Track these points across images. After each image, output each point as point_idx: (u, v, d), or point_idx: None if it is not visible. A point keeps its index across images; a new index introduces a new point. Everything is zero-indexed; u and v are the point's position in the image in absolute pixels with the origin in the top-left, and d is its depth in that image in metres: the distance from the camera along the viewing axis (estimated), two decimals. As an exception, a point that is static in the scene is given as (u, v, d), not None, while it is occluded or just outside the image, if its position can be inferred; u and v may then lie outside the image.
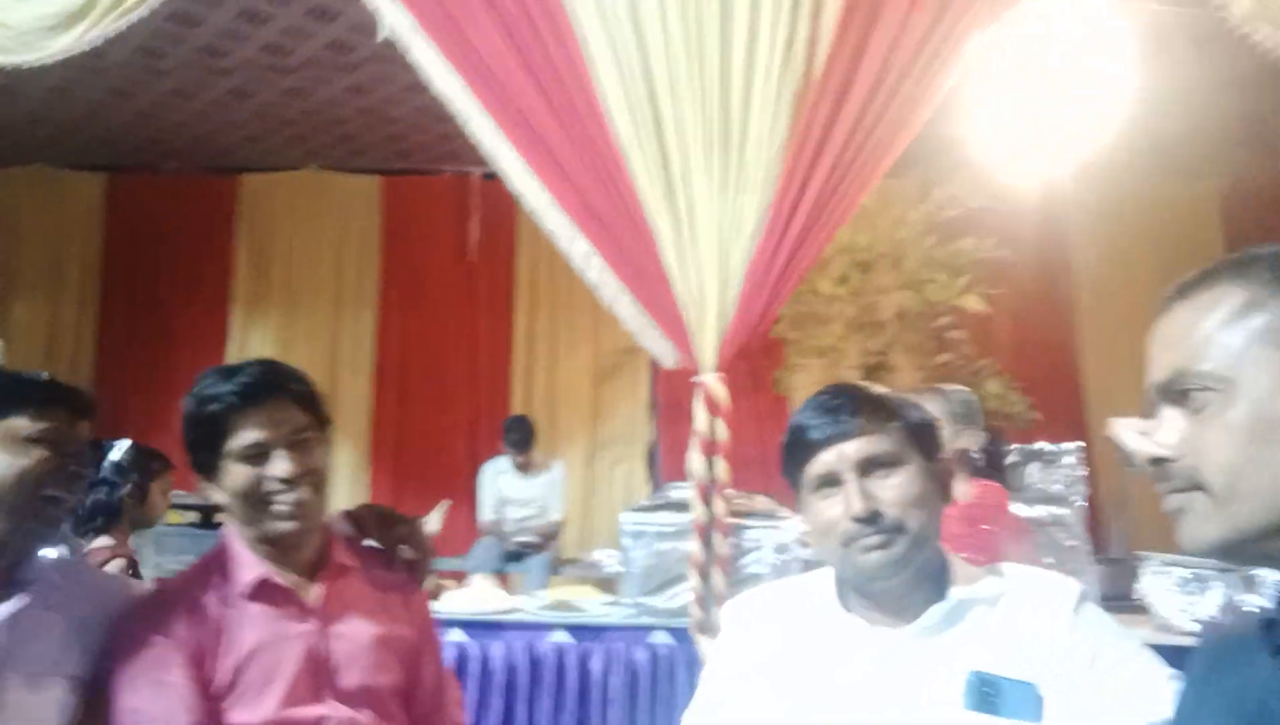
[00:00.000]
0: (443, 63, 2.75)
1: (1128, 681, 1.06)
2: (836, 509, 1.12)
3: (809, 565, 2.98)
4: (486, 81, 2.73)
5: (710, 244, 2.67)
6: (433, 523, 3.76)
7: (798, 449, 1.17)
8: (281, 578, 1.34)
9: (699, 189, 2.67)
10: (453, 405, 6.11)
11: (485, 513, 4.96)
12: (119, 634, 1.26)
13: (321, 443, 1.37)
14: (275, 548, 1.34)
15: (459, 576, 4.05)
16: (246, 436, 1.30)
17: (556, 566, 4.87)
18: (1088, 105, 2.88)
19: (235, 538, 1.36)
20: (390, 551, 1.46)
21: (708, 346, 2.72)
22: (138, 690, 1.22)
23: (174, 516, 3.16)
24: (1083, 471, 3.05)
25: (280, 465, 1.29)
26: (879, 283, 5.07)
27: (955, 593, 1.12)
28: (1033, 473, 2.99)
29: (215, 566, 1.34)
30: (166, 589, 1.36)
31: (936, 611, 1.11)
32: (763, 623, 1.22)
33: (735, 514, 2.88)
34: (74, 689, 1.21)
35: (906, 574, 1.12)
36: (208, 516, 3.22)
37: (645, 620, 2.96)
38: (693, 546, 2.76)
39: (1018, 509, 2.99)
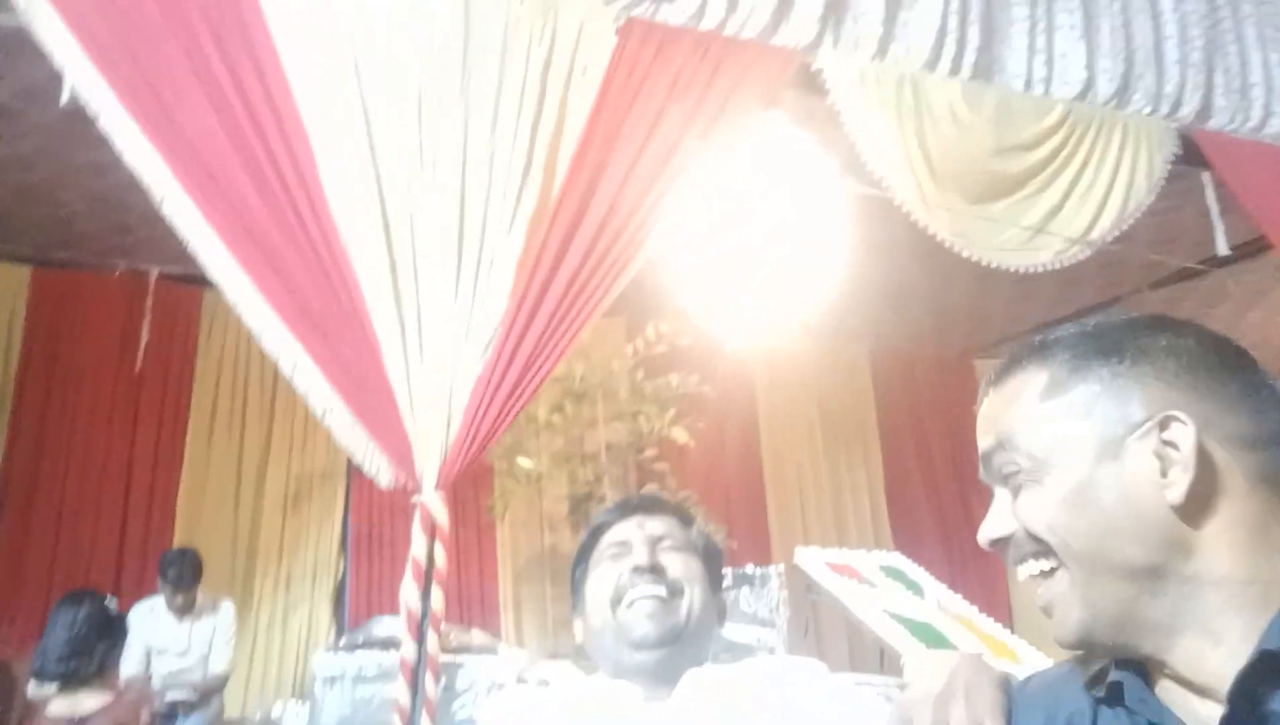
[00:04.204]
0: (140, 137, 2.44)
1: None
2: (622, 566, 1.17)
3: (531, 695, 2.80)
4: (192, 163, 2.46)
5: (438, 357, 2.55)
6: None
7: (597, 529, 1.24)
8: None
9: (429, 298, 2.57)
10: (104, 534, 5.18)
11: (130, 664, 4.15)
12: None
13: None
14: None
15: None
16: None
17: (220, 720, 4.17)
18: (798, 271, 3.21)
19: None
20: None
21: (429, 464, 2.55)
22: None
23: None
24: (784, 593, 3.21)
25: None
26: (590, 414, 5.18)
27: (709, 667, 1.15)
28: (743, 597, 3.10)
29: None
30: None
31: (692, 679, 1.12)
32: (528, 708, 1.21)
33: (449, 650, 2.65)
34: None
35: (674, 647, 1.13)
36: None
37: (337, 782, 2.59)
38: (399, 690, 2.48)
39: (731, 633, 3.07)
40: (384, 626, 2.77)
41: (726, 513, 5.35)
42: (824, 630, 5.30)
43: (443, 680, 2.57)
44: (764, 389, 6.65)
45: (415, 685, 2.47)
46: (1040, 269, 3.66)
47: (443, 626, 2.56)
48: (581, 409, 5.22)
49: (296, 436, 5.53)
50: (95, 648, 2.34)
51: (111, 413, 5.34)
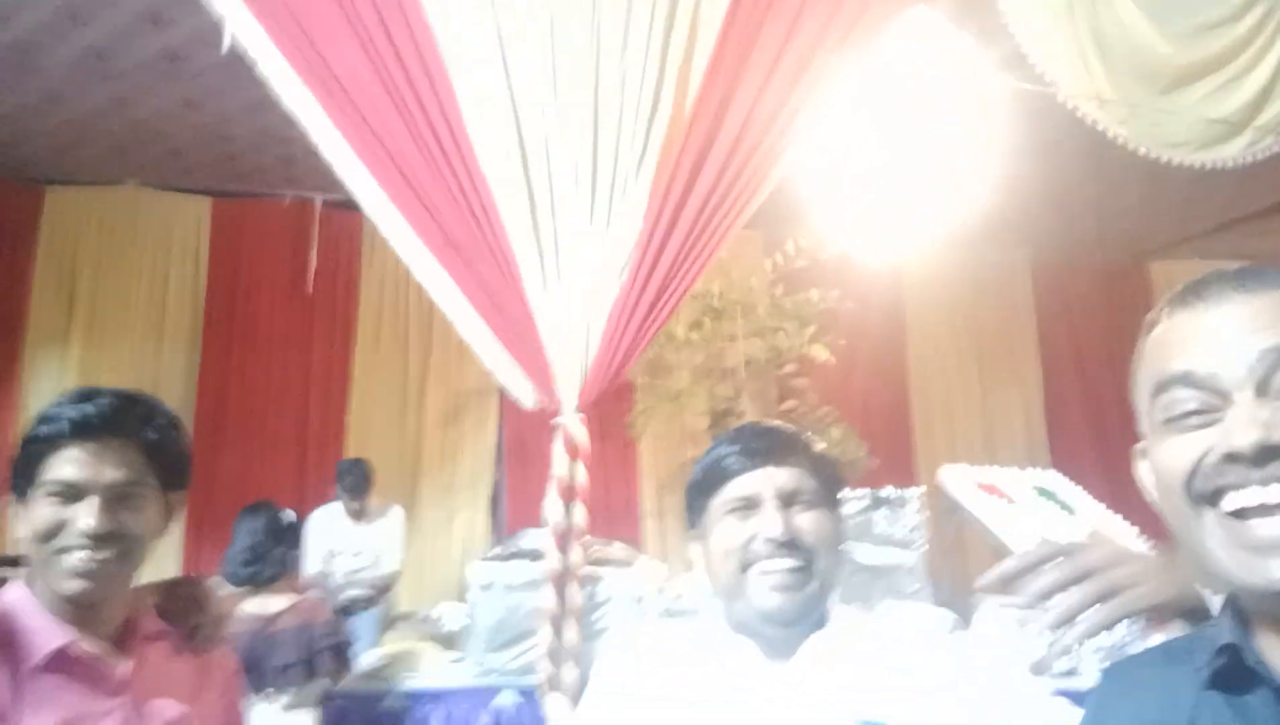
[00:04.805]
0: (295, 78, 2.57)
1: (1012, 702, 1.06)
2: (749, 529, 1.10)
3: (668, 617, 2.92)
4: (342, 100, 2.57)
5: (576, 282, 2.61)
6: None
7: (717, 473, 1.14)
8: (85, 646, 1.13)
9: (565, 225, 2.61)
10: (280, 449, 5.68)
11: (312, 564, 4.59)
12: None
13: (155, 504, 1.18)
14: (73, 609, 1.13)
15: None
16: (62, 471, 1.11)
17: (389, 622, 4.57)
18: (948, 178, 3.05)
19: (24, 595, 1.14)
20: (179, 621, 1.28)
21: (569, 387, 2.64)
22: None
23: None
24: (924, 516, 3.16)
25: (87, 515, 1.10)
26: (729, 330, 5.17)
27: (834, 625, 1.12)
28: (879, 518, 3.07)
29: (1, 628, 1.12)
30: None
31: (816, 644, 1.09)
32: (650, 650, 1.18)
33: (592, 563, 2.79)
34: None
35: (803, 624, 1.09)
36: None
37: (491, 680, 2.79)
38: (545, 598, 2.63)
39: (864, 554, 3.06)
40: (531, 539, 2.93)
41: (867, 431, 5.26)
42: (967, 553, 5.21)
43: (586, 590, 2.71)
44: (912, 302, 6.43)
45: (560, 594, 2.62)
46: (1226, 164, 3.32)
47: (585, 539, 2.68)
48: (720, 325, 5.21)
49: (453, 355, 5.83)
50: (274, 553, 2.60)
51: (287, 336, 5.78)
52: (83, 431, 1.12)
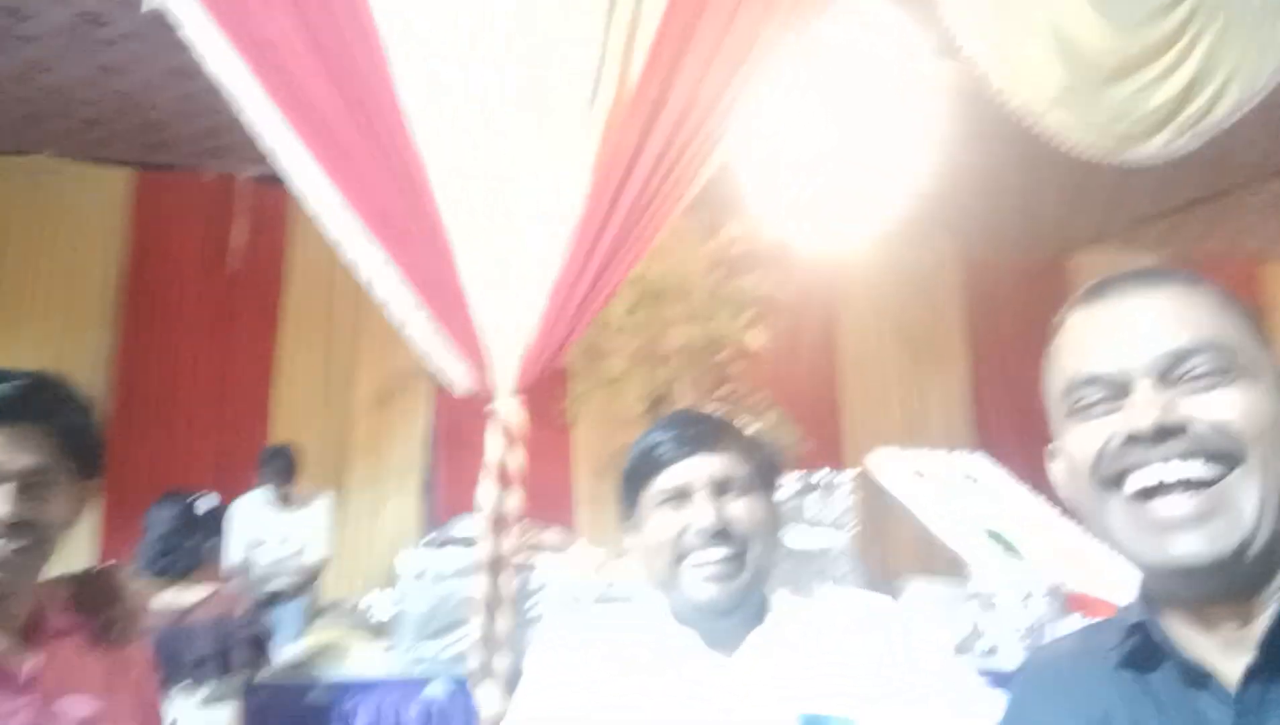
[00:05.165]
0: (222, 42, 2.46)
1: (947, 691, 1.07)
2: (681, 522, 1.08)
3: (603, 598, 2.90)
4: (273, 66, 2.47)
5: (513, 262, 2.56)
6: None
7: (649, 460, 1.12)
8: None
9: (503, 204, 2.56)
10: (200, 434, 5.48)
11: (235, 553, 4.45)
12: None
13: (67, 493, 1.12)
14: None
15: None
16: None
17: (316, 612, 4.45)
18: (885, 166, 3.07)
19: None
20: (92, 614, 1.22)
21: (506, 370, 2.59)
22: None
23: None
24: (854, 499, 3.21)
25: None
26: (667, 315, 5.17)
27: (774, 620, 1.11)
28: (810, 502, 3.10)
29: None
30: None
31: (759, 638, 1.09)
32: (589, 640, 1.16)
33: (526, 549, 2.75)
34: None
35: (740, 613, 1.09)
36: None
37: (422, 669, 2.73)
38: (478, 586, 2.59)
39: (795, 538, 3.09)
40: (464, 526, 2.88)
41: (799, 416, 5.32)
42: (894, 535, 5.33)
43: (520, 577, 2.67)
44: (844, 291, 6.52)
45: (493, 582, 2.58)
46: (1150, 161, 3.43)
47: (519, 525, 2.64)
48: (658, 310, 5.21)
49: (383, 336, 5.68)
50: (187, 544, 2.50)
51: (209, 316, 5.58)
52: None
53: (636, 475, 1.13)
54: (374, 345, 5.79)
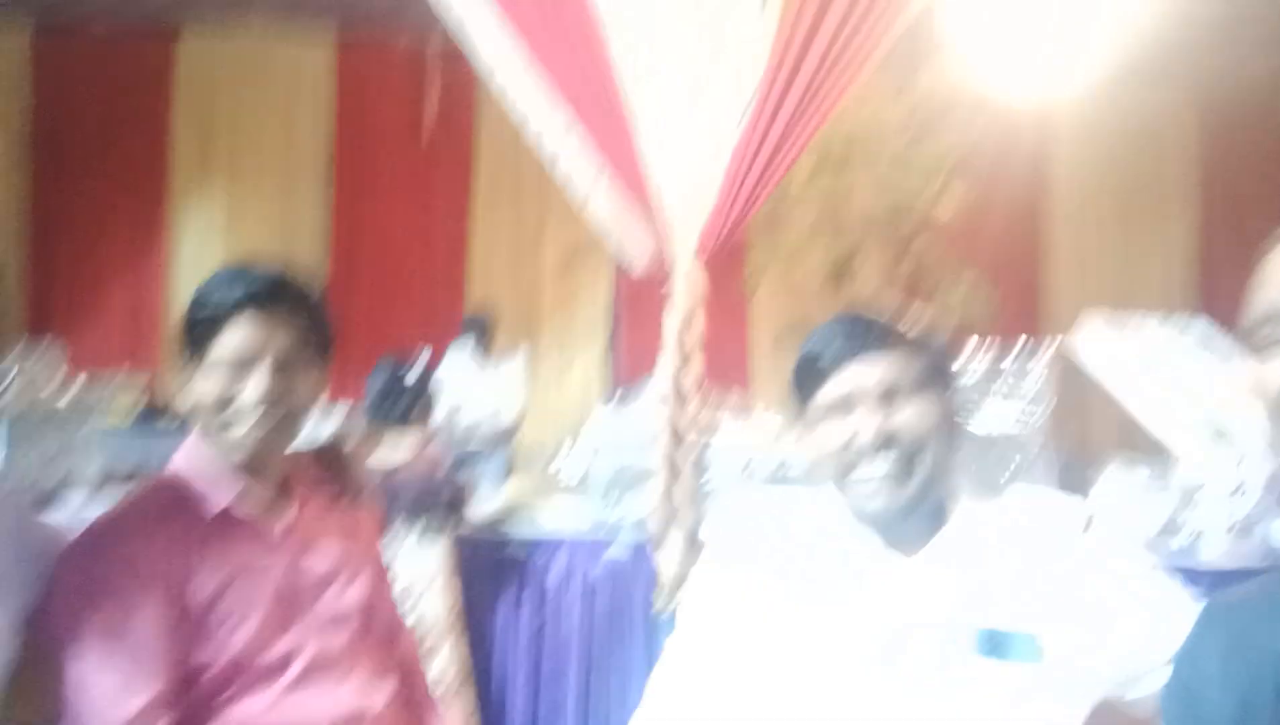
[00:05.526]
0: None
1: (1138, 607, 1.02)
2: (845, 434, 1.06)
3: (779, 470, 2.95)
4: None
5: (694, 129, 2.51)
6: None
7: (812, 370, 1.09)
8: (251, 501, 1.23)
9: (683, 70, 2.49)
10: (407, 298, 5.90)
11: (439, 411, 4.84)
12: (68, 570, 1.12)
13: (311, 376, 1.25)
14: (241, 470, 1.23)
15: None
16: (230, 343, 1.18)
17: (511, 468, 4.80)
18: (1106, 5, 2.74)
19: (196, 455, 1.24)
20: (328, 480, 1.37)
21: (686, 240, 2.59)
22: (105, 632, 1.09)
23: (115, 417, 2.98)
24: (1050, 379, 3.03)
25: (256, 385, 1.18)
26: (850, 182, 4.95)
27: (957, 525, 1.08)
28: (1002, 382, 2.96)
29: (171, 489, 1.22)
30: (118, 519, 1.19)
31: (941, 543, 1.07)
32: (764, 526, 1.17)
33: (705, 418, 2.81)
34: (13, 631, 1.08)
35: (914, 517, 1.06)
36: (151, 418, 3.01)
37: (606, 532, 2.89)
38: (658, 454, 2.69)
39: (983, 420, 2.98)
40: (645, 394, 2.98)
41: (997, 284, 5.03)
42: (1094, 414, 5.01)
43: (698, 445, 2.74)
44: (1054, 148, 5.95)
45: (672, 450, 2.67)
46: None
47: (699, 394, 2.70)
48: (841, 177, 4.99)
49: (569, 204, 5.79)
50: (399, 405, 2.72)
51: (408, 185, 5.89)
52: (245, 306, 1.18)
53: (801, 383, 1.11)
54: (560, 212, 5.93)
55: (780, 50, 2.50)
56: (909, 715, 0.99)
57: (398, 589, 2.51)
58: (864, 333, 1.08)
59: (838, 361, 1.06)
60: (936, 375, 1.09)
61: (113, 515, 1.20)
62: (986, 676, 0.99)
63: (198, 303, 1.21)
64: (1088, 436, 4.98)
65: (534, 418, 5.33)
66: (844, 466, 1.06)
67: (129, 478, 3.22)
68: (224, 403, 1.18)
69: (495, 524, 2.93)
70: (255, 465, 1.22)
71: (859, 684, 1.02)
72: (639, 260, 2.70)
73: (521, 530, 2.95)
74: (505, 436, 4.84)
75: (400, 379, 2.77)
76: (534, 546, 2.86)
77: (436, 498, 2.60)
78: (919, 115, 4.56)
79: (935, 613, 1.02)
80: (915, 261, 4.95)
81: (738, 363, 5.88)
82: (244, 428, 1.18)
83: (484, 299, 5.73)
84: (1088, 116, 5.56)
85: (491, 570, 2.87)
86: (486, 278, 5.98)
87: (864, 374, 1.05)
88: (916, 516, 1.06)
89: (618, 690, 2.85)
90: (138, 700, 1.08)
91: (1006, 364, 3.01)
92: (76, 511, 2.86)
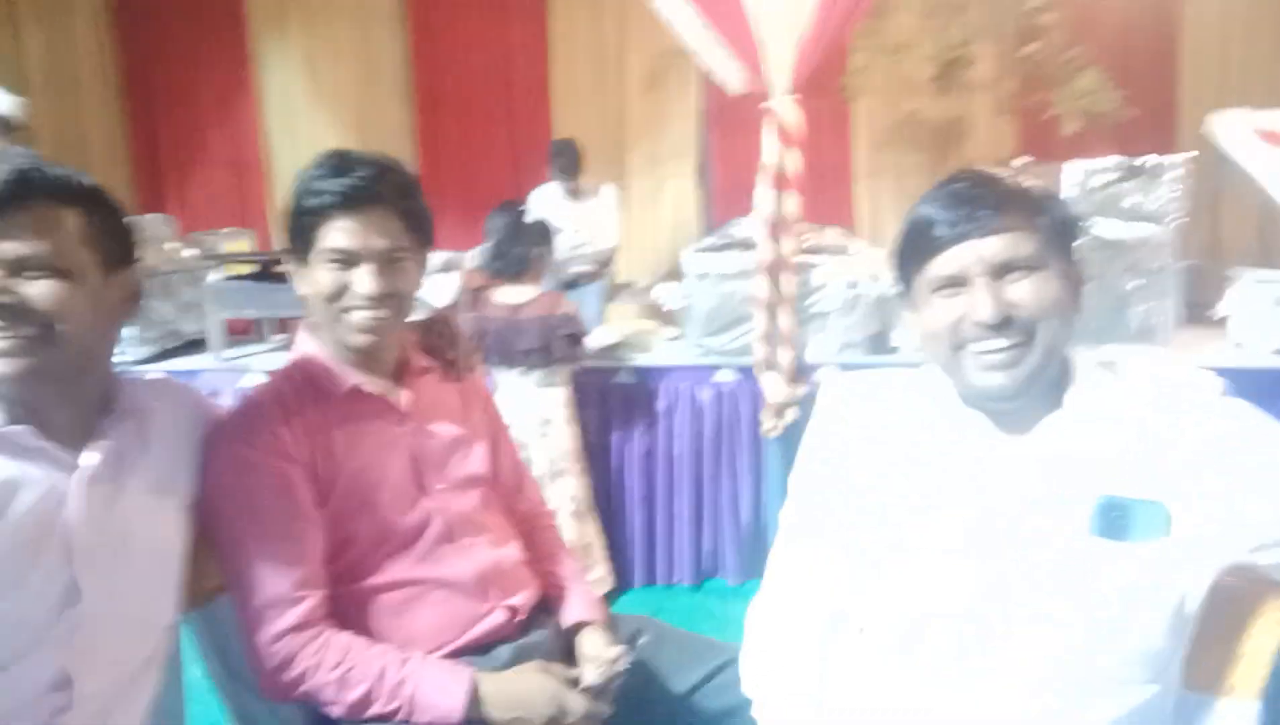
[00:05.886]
0: None
1: (1273, 478, 0.96)
2: (958, 310, 0.99)
3: (881, 302, 2.88)
4: None
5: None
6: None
7: (921, 243, 1.01)
8: (372, 385, 1.29)
9: None
10: (492, 125, 5.78)
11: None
12: (220, 453, 1.20)
13: (415, 264, 1.27)
14: (358, 356, 1.29)
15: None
16: (337, 240, 1.21)
17: (611, 293, 4.82)
18: None
19: (316, 344, 1.30)
20: (438, 354, 1.41)
21: (780, 67, 2.42)
22: (257, 510, 1.18)
23: (231, 269, 3.09)
24: (1183, 186, 2.78)
25: (365, 280, 1.21)
26: (963, -39, 4.46)
27: (1074, 400, 1.01)
28: (1130, 189, 2.72)
29: (302, 376, 1.28)
30: (259, 402, 1.26)
31: (1056, 421, 1.01)
32: (870, 401, 1.14)
33: (803, 251, 2.73)
34: (186, 513, 1.17)
35: (1029, 395, 1.00)
36: (267, 269, 3.12)
37: (710, 359, 2.93)
38: (759, 287, 2.65)
39: (1108, 228, 2.79)
40: (744, 228, 2.89)
41: (1125, 77, 4.54)
42: (1228, 220, 4.61)
43: (798, 278, 2.69)
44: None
45: (773, 282, 2.63)
46: None
47: (798, 227, 2.61)
48: (953, -44, 4.50)
49: (649, 15, 5.46)
50: (517, 250, 2.76)
51: (484, 7, 5.63)
52: (350, 202, 1.19)
53: (909, 254, 1.03)
54: (642, 25, 5.60)
55: None
56: (1024, 601, 0.98)
57: (528, 424, 2.68)
58: (979, 201, 0.98)
59: (949, 237, 0.98)
60: (1058, 243, 1.00)
61: (254, 398, 1.27)
62: (1107, 555, 0.96)
63: (300, 197, 1.22)
64: (1221, 244, 4.63)
65: (630, 242, 5.29)
66: (956, 344, 1.00)
67: (254, 324, 3.43)
68: (335, 295, 1.22)
69: (605, 353, 3.00)
70: (371, 349, 1.27)
71: (970, 571, 1.00)
72: (733, 85, 2.54)
73: (629, 358, 3.01)
74: (602, 262, 4.83)
75: (517, 223, 2.80)
76: (642, 373, 2.93)
77: (556, 334, 2.68)
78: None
79: (1053, 489, 0.98)
80: (1040, 43, 4.49)
81: (839, 172, 5.62)
82: (358, 319, 1.22)
83: (568, 121, 5.58)
84: None
85: (604, 396, 2.98)
86: (571, 99, 5.77)
87: (977, 250, 0.97)
88: (1031, 395, 1.01)
89: (729, 507, 2.99)
90: (292, 574, 1.17)
91: (1134, 173, 2.76)
92: (210, 360, 3.07)
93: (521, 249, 2.78)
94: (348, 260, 1.21)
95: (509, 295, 2.77)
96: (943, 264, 0.99)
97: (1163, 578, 0.96)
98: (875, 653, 1.06)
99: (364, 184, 1.20)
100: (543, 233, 2.87)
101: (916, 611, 1.02)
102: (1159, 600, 0.96)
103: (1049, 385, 1.02)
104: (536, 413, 2.74)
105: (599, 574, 2.88)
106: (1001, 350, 0.98)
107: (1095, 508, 0.96)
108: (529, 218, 2.86)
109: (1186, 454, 0.97)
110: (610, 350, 3.02)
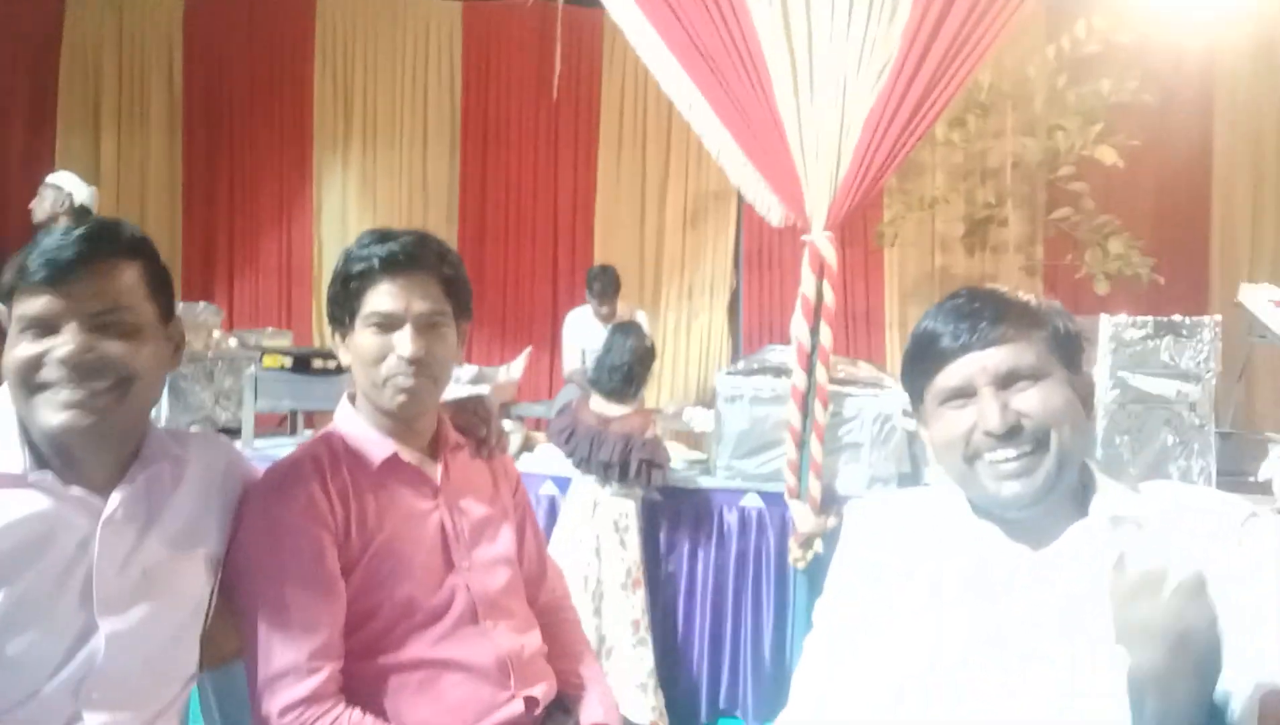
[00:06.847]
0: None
1: None
2: (967, 421, 1.00)
3: (911, 437, 2.87)
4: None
5: (829, 89, 2.42)
6: (515, 369, 3.76)
7: (926, 357, 1.04)
8: (408, 455, 1.30)
9: (819, 27, 2.40)
10: (536, 249, 6.00)
11: (570, 361, 4.94)
12: (253, 509, 1.20)
13: (453, 331, 1.30)
14: (395, 424, 1.29)
15: (544, 424, 4.07)
16: (380, 304, 1.24)
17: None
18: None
19: (355, 414, 1.31)
20: (470, 433, 1.42)
21: (819, 203, 2.52)
22: (284, 572, 1.17)
23: (270, 360, 3.17)
24: (1217, 346, 2.80)
25: (406, 343, 1.23)
26: (997, 126, 4.67)
27: (1099, 512, 1.00)
28: (1163, 346, 2.76)
29: (338, 442, 1.29)
30: (296, 465, 1.26)
31: (1079, 533, 1.00)
32: (893, 524, 1.13)
33: (836, 382, 2.76)
34: (211, 565, 1.16)
35: (1047, 503, 1.00)
36: (305, 362, 3.21)
37: (737, 483, 2.91)
38: (790, 414, 2.66)
39: (1143, 384, 2.80)
40: (777, 355, 2.93)
41: (1157, 244, 4.66)
42: (1256, 385, 4.61)
43: (830, 407, 2.70)
44: (1223, 92, 5.41)
45: (805, 411, 2.64)
46: None
47: (830, 359, 2.65)
48: (987, 122, 4.72)
49: (693, 155, 5.76)
50: (638, 374, 2.91)
51: (536, 137, 5.94)
52: (391, 267, 1.23)
53: (916, 369, 1.06)
54: (683, 164, 5.88)
55: (920, 10, 2.37)
56: (1039, 713, 0.95)
57: (583, 536, 2.67)
58: (981, 314, 1.01)
59: (953, 349, 1.01)
60: (1062, 353, 1.02)
61: (290, 461, 1.27)
62: (1121, 668, 0.91)
63: (345, 264, 1.26)
64: (1255, 408, 4.61)
65: (660, 369, 5.36)
66: (968, 456, 1.01)
67: (288, 416, 3.46)
68: (377, 359, 1.24)
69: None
70: (409, 418, 1.28)
71: (987, 681, 0.97)
72: (773, 220, 2.64)
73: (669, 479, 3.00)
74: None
75: (639, 351, 2.93)
76: (669, 493, 2.91)
77: (637, 456, 2.75)
78: (1075, 56, 4.23)
79: (1072, 604, 0.96)
80: (1070, 209, 4.63)
81: (871, 317, 5.72)
82: (399, 382, 1.24)
83: (609, 250, 5.77)
84: (1260, 57, 5.04)
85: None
86: (613, 229, 6.00)
87: (982, 361, 1.00)
88: (1048, 506, 1.00)
89: (751, 633, 2.91)
90: (311, 642, 1.14)
91: (1168, 331, 2.79)
92: (243, 447, 3.09)
93: (642, 373, 2.92)
94: (390, 323, 1.23)
95: (603, 407, 2.89)
96: (949, 376, 1.02)
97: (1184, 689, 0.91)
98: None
99: (406, 250, 1.24)
100: (649, 359, 2.99)
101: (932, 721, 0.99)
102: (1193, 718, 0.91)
103: (1070, 494, 1.02)
104: (608, 518, 2.79)
105: (654, 703, 2.73)
106: (1013, 459, 0.98)
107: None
108: (647, 342, 2.99)
109: (1224, 570, 0.94)
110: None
